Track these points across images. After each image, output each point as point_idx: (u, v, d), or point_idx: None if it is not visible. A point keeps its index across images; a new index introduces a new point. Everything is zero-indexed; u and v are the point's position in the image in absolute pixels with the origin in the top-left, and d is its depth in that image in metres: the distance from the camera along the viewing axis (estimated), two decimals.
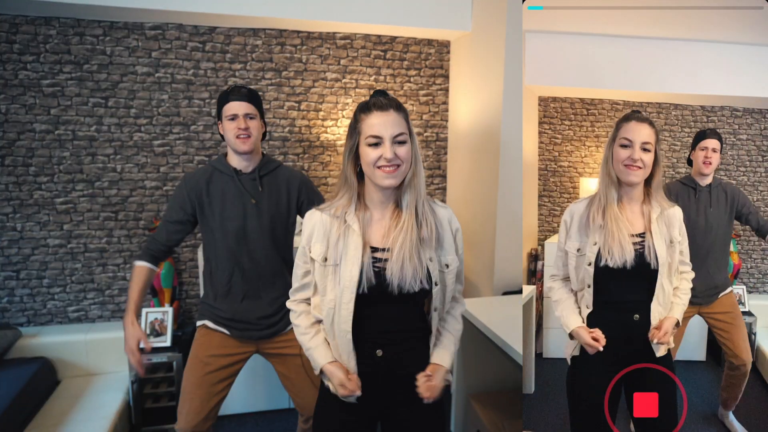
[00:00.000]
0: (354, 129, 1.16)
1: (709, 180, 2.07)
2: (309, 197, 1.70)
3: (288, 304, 1.31)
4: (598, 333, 1.39)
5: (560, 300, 1.52)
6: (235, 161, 1.64)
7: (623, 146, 1.36)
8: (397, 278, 1.13)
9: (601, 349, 1.38)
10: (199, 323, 1.71)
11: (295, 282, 1.27)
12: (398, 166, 1.12)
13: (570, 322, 1.45)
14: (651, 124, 1.36)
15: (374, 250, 1.16)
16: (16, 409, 2.00)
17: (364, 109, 1.15)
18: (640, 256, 1.38)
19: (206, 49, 2.66)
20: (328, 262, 1.17)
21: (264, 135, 1.70)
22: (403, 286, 1.13)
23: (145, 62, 2.59)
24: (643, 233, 1.39)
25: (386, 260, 1.15)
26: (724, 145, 2.32)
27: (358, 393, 1.16)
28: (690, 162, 2.16)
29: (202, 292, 1.86)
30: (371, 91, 2.89)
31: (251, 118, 1.59)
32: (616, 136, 1.38)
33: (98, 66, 2.55)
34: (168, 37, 2.61)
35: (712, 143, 2.03)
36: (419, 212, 1.17)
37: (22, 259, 2.58)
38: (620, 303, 1.41)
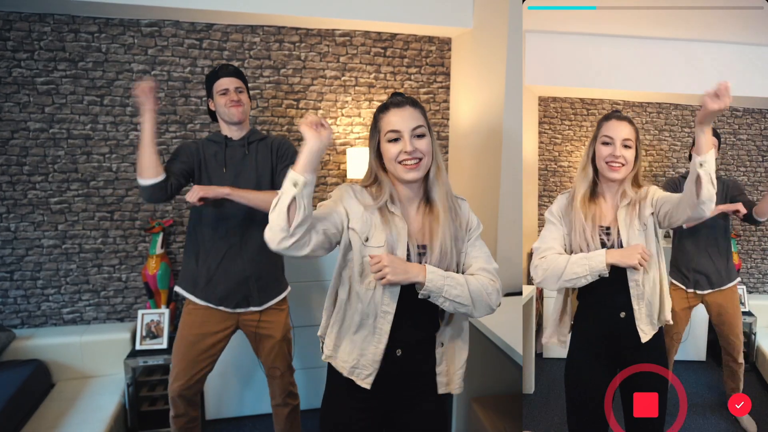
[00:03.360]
0: (374, 128, 1.19)
1: None
2: (286, 153, 1.83)
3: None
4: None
5: (558, 257, 1.41)
6: (226, 131, 1.83)
7: (605, 143, 1.41)
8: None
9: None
10: (181, 291, 1.81)
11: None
12: (420, 159, 1.14)
13: (597, 256, 1.35)
14: (630, 122, 1.42)
15: (417, 247, 1.18)
16: (10, 412, 1.97)
17: (382, 109, 1.19)
18: (606, 246, 1.40)
19: (203, 46, 2.62)
20: (370, 243, 1.14)
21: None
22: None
23: (141, 60, 2.56)
24: (610, 226, 1.43)
25: (425, 255, 1.17)
26: (723, 145, 2.37)
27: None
28: (691, 158, 2.24)
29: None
30: (371, 89, 2.88)
31: (240, 92, 1.79)
32: (597, 134, 1.44)
33: (93, 63, 2.51)
34: (164, 34, 2.57)
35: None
36: (450, 207, 1.19)
37: (15, 260, 2.54)
38: (604, 299, 1.43)
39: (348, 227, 1.16)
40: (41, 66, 2.46)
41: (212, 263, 1.77)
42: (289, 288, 1.93)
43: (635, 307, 1.40)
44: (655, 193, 1.43)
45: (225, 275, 1.77)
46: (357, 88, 2.85)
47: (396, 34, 2.85)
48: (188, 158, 1.78)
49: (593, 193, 1.46)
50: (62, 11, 2.42)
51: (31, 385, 2.19)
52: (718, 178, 2.24)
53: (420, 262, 1.15)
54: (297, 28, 2.72)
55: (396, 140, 1.14)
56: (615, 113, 1.45)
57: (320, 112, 2.82)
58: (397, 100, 1.17)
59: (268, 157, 1.82)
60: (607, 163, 1.40)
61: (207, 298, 1.78)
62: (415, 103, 1.17)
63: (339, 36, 2.78)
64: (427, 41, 2.89)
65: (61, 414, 2.14)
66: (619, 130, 1.39)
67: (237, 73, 1.80)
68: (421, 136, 1.14)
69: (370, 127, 1.21)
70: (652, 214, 1.41)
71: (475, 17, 2.62)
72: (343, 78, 2.82)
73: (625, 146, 1.39)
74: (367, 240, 1.15)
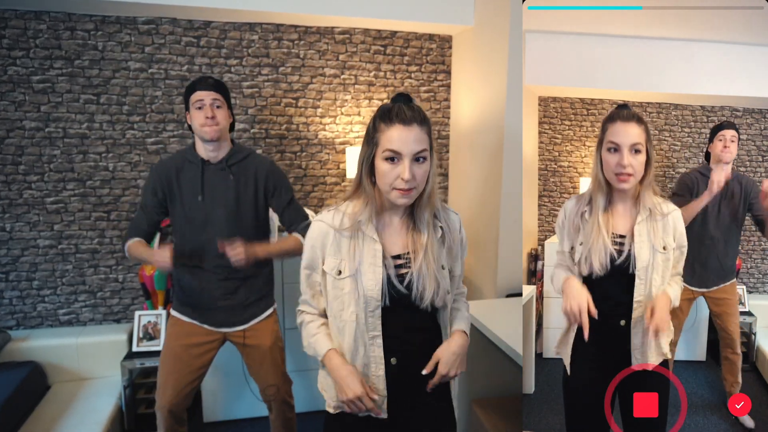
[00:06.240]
0: (371, 138, 1.06)
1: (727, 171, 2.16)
2: (276, 185, 1.73)
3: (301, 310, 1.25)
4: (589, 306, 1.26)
5: (558, 274, 1.43)
6: (202, 151, 1.66)
7: (610, 150, 1.26)
8: (420, 291, 1.11)
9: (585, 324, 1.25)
10: (171, 311, 1.77)
11: (309, 296, 1.22)
12: (413, 188, 1.05)
13: (557, 280, 1.40)
14: (639, 120, 1.25)
15: (395, 257, 1.13)
16: (6, 414, 1.95)
17: (384, 117, 1.04)
18: (616, 258, 1.32)
19: (201, 44, 2.60)
20: (343, 274, 1.11)
21: (232, 126, 1.74)
22: (427, 299, 1.12)
23: (138, 58, 2.53)
24: (624, 235, 1.33)
25: (408, 267, 1.12)
26: None
27: (382, 415, 1.15)
28: (707, 157, 2.26)
29: None
30: (371, 88, 2.85)
31: (218, 107, 1.62)
32: (603, 139, 1.29)
33: (90, 61, 2.48)
34: (162, 32, 2.55)
35: (729, 133, 2.12)
36: (435, 225, 1.15)
37: (11, 261, 2.51)
38: (606, 307, 1.36)
39: (322, 270, 1.14)
40: (37, 64, 2.43)
41: (194, 291, 1.70)
42: (275, 305, 1.86)
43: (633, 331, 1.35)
44: (677, 225, 1.35)
45: (207, 302, 1.70)
46: (357, 86, 2.83)
47: (396, 32, 2.83)
48: (161, 188, 1.65)
49: (608, 201, 1.36)
50: (58, 9, 2.39)
51: (27, 387, 2.17)
52: (737, 177, 2.19)
53: (399, 274, 1.11)
54: (296, 26, 2.69)
55: (393, 160, 1.02)
56: (620, 112, 1.27)
57: (319, 110, 2.80)
58: (404, 114, 1.02)
59: (251, 183, 1.69)
60: (615, 174, 1.26)
61: (191, 316, 1.73)
62: (423, 121, 1.04)
63: (338, 34, 2.76)
64: (428, 39, 2.87)
65: (57, 416, 2.11)
66: (626, 134, 1.23)
67: (217, 87, 1.63)
68: (422, 159, 1.04)
69: (367, 130, 1.09)
70: (671, 247, 1.34)
71: (476, 15, 2.60)
72: (342, 76, 2.80)
73: (635, 151, 1.25)
74: (339, 273, 1.11)
